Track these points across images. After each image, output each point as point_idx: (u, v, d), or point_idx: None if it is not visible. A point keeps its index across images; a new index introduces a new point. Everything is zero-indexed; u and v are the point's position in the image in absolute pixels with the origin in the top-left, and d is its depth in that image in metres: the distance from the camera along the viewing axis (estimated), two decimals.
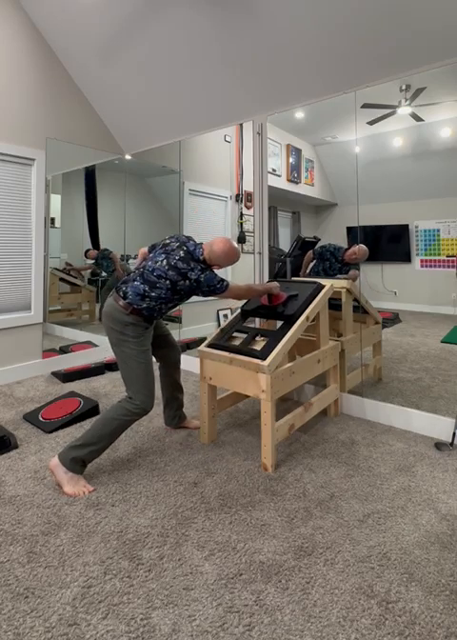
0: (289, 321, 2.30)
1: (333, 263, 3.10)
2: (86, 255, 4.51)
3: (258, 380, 2.11)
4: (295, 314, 2.32)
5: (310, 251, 3.25)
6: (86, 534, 1.66)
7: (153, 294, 2.09)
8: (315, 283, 2.55)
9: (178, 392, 2.57)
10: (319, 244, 3.25)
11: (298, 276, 3.29)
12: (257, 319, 3.16)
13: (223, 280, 2.14)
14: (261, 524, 1.72)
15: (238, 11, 2.86)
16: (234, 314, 2.61)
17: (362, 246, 2.91)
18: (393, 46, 2.59)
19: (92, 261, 4.54)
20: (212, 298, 2.22)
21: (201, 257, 2.14)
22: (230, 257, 2.19)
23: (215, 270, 2.21)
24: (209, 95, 3.54)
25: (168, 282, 2.09)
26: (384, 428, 2.61)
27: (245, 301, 2.62)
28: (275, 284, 2.43)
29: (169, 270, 2.08)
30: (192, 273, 2.08)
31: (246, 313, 2.56)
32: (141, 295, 2.09)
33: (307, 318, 2.35)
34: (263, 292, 2.39)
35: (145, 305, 2.09)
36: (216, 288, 2.12)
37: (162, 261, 2.12)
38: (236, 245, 2.23)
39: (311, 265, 3.24)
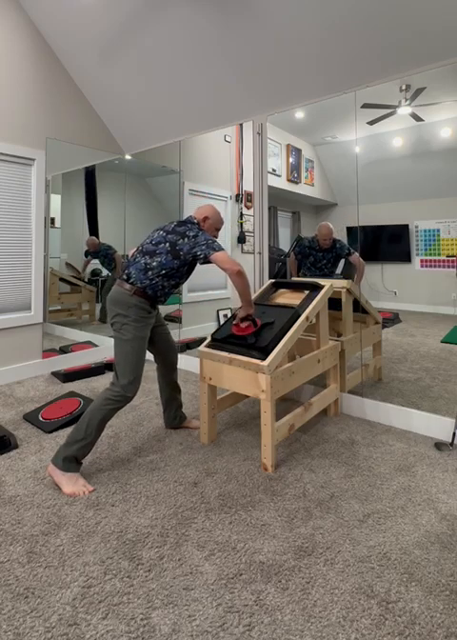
0: (263, 352, 2.12)
1: (316, 254, 3.12)
2: (87, 255, 4.51)
3: (258, 380, 2.11)
4: (269, 346, 2.13)
5: (292, 254, 3.28)
6: (86, 534, 1.66)
7: (154, 263, 2.13)
8: (293, 309, 2.38)
9: (176, 392, 2.57)
10: (294, 246, 3.30)
11: (297, 276, 3.29)
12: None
13: (217, 243, 2.13)
14: (261, 524, 1.72)
15: (238, 11, 2.86)
16: (234, 313, 2.60)
17: (321, 223, 3.04)
18: (393, 46, 2.59)
19: (96, 261, 4.54)
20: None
21: (195, 220, 2.26)
22: (213, 209, 2.31)
23: (211, 231, 2.30)
24: (209, 95, 3.54)
25: (167, 244, 2.14)
26: (384, 428, 2.61)
27: (215, 328, 2.50)
28: (253, 310, 2.29)
29: (168, 234, 2.17)
30: (190, 231, 2.14)
31: (215, 342, 2.37)
32: (143, 270, 2.13)
33: (307, 318, 2.35)
34: (251, 302, 2.25)
35: (147, 281, 2.12)
36: (213, 244, 2.08)
37: (159, 231, 2.23)
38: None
39: (297, 263, 3.26)
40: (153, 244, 2.17)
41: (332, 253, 3.06)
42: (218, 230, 2.37)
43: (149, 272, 2.12)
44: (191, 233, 2.13)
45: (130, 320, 2.09)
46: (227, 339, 2.33)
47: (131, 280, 2.13)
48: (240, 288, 2.15)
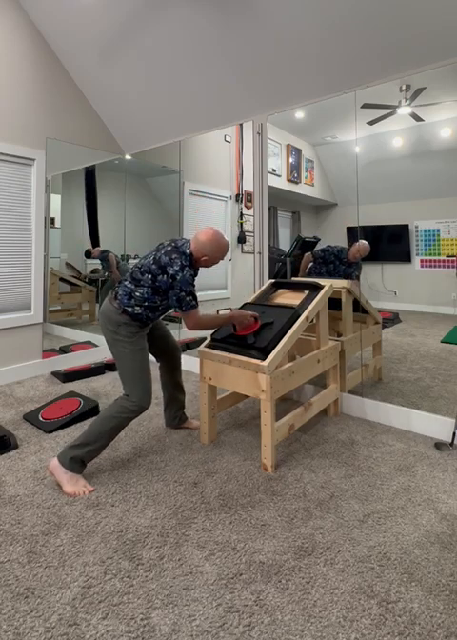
0: (263, 352, 2.12)
1: (337, 265, 3.08)
2: (88, 256, 4.51)
3: (258, 380, 2.11)
4: (268, 346, 2.13)
5: (309, 253, 3.23)
6: (86, 534, 1.66)
7: (137, 294, 2.08)
8: (293, 309, 2.38)
9: (179, 393, 2.57)
10: (320, 246, 3.24)
11: (298, 276, 3.29)
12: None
13: (194, 299, 2.06)
14: (261, 524, 1.72)
15: (238, 11, 2.86)
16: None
17: (363, 242, 2.90)
18: (393, 46, 2.59)
19: (97, 260, 4.55)
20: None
21: (187, 251, 2.07)
22: (218, 243, 2.10)
23: (209, 266, 2.16)
24: (209, 95, 3.54)
25: (150, 277, 2.06)
26: (384, 428, 2.61)
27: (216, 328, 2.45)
28: (245, 314, 2.27)
29: (153, 264, 2.07)
30: (171, 268, 2.01)
31: (215, 342, 2.37)
32: (128, 295, 2.09)
33: (307, 318, 2.35)
34: (229, 322, 2.26)
35: (130, 308, 2.07)
36: (185, 299, 2.02)
37: (150, 257, 2.12)
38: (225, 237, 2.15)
39: (310, 265, 3.22)
40: (141, 271, 2.09)
41: (353, 268, 3.04)
42: (218, 261, 2.20)
43: (133, 300, 2.08)
44: (171, 271, 2.00)
45: (122, 337, 2.07)
46: (226, 339, 2.32)
47: (119, 300, 2.10)
48: (214, 327, 2.25)
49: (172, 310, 2.26)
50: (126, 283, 2.13)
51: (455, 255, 2.66)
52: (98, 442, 1.98)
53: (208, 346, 2.38)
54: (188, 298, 2.03)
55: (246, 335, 2.25)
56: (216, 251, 2.12)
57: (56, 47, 3.82)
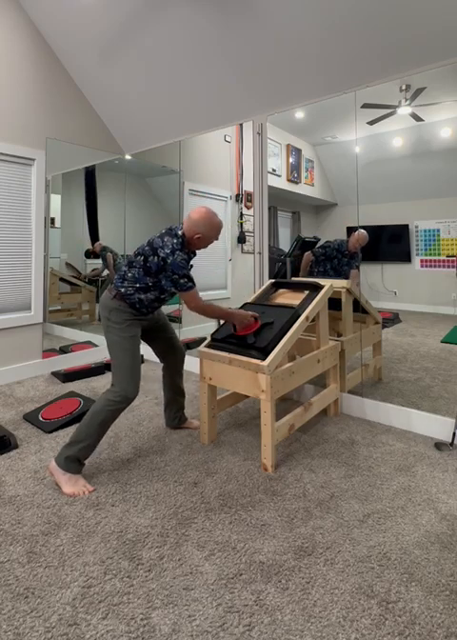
0: (263, 352, 2.11)
1: (341, 259, 3.08)
2: (87, 256, 4.51)
3: (258, 380, 2.11)
4: (268, 346, 2.12)
5: (309, 253, 3.23)
6: (86, 534, 1.66)
7: (129, 275, 2.09)
8: (293, 309, 2.38)
9: (179, 396, 2.56)
10: (319, 244, 3.24)
11: (298, 276, 3.29)
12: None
13: (191, 279, 2.04)
14: (261, 524, 1.72)
15: (238, 11, 2.86)
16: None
17: (361, 231, 2.90)
18: (393, 46, 2.59)
19: (97, 260, 4.55)
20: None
21: (180, 232, 2.05)
22: (210, 221, 2.07)
23: (203, 246, 2.14)
24: (209, 95, 3.54)
25: (141, 258, 2.07)
26: (384, 428, 2.61)
27: (215, 328, 2.47)
28: (246, 314, 2.27)
29: (146, 246, 2.08)
30: (162, 251, 1.99)
31: (215, 341, 2.36)
32: (121, 277, 2.11)
33: (307, 318, 2.35)
34: (229, 318, 2.25)
35: (123, 289, 2.09)
36: (179, 281, 2.00)
37: (148, 240, 2.14)
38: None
39: (311, 263, 3.22)
40: (135, 254, 2.11)
41: (355, 259, 3.03)
42: (213, 240, 2.17)
43: (125, 282, 2.09)
44: (162, 253, 1.99)
45: (112, 323, 2.08)
46: (226, 339, 2.32)
47: (114, 284, 2.13)
48: (213, 316, 2.22)
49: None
50: (122, 267, 2.17)
51: (455, 255, 2.66)
52: (89, 438, 1.96)
53: (209, 346, 2.38)
54: (182, 280, 2.01)
55: (246, 335, 2.25)
56: (210, 230, 2.09)
57: (56, 47, 3.82)
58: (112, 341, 2.08)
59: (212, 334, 2.42)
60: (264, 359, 2.09)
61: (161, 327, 2.39)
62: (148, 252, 2.06)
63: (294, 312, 2.34)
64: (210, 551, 1.56)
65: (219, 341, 2.35)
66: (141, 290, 2.09)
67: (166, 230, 2.11)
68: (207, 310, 2.16)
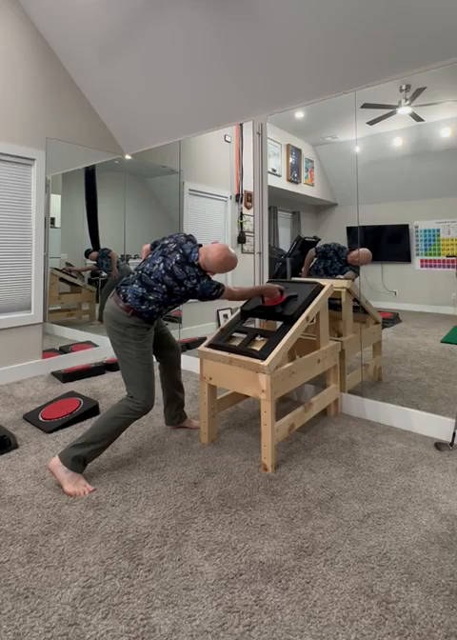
0: (289, 321, 2.30)
1: (335, 262, 3.10)
2: (87, 256, 4.51)
3: (258, 380, 2.11)
4: (294, 315, 2.31)
5: (313, 250, 3.24)
6: (86, 534, 1.66)
7: (151, 297, 2.10)
8: (315, 283, 2.54)
9: (179, 392, 2.57)
10: (322, 242, 3.25)
11: (298, 276, 3.29)
12: (257, 319, 3.16)
13: (219, 286, 2.13)
14: (261, 524, 1.72)
15: (238, 11, 2.86)
16: (234, 314, 2.61)
17: (365, 249, 2.91)
18: (393, 46, 2.59)
19: (94, 262, 4.54)
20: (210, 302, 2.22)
21: (196, 262, 2.11)
22: (225, 267, 2.14)
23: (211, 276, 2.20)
24: (209, 95, 3.54)
25: (164, 286, 2.09)
26: (384, 428, 2.61)
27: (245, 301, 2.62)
28: (273, 286, 2.42)
29: (166, 275, 2.08)
30: (188, 282, 2.07)
31: (245, 313, 2.56)
32: (140, 298, 2.10)
33: (307, 318, 2.35)
34: (259, 293, 2.40)
35: (144, 307, 2.10)
36: (212, 295, 2.13)
37: (159, 264, 2.11)
38: (233, 252, 2.15)
39: (314, 261, 3.23)
40: (152, 279, 2.10)
41: (348, 269, 3.05)
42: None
43: (146, 302, 2.10)
44: (189, 284, 2.08)
45: (130, 339, 2.09)
46: (255, 310, 2.52)
47: (128, 303, 2.10)
48: (242, 299, 2.32)
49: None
50: (135, 286, 2.12)
51: (455, 255, 2.66)
52: (101, 442, 1.99)
53: (209, 345, 2.39)
54: (214, 293, 2.12)
55: (274, 306, 2.44)
56: (221, 272, 2.20)
57: (56, 47, 3.82)
58: (129, 355, 2.09)
59: (242, 307, 2.59)
60: (264, 359, 2.10)
61: (157, 325, 2.40)
62: (170, 283, 2.08)
63: (317, 286, 2.50)
64: (210, 551, 1.56)
65: (248, 313, 2.55)
66: (162, 305, 2.15)
67: (180, 257, 2.09)
68: (242, 296, 2.29)
